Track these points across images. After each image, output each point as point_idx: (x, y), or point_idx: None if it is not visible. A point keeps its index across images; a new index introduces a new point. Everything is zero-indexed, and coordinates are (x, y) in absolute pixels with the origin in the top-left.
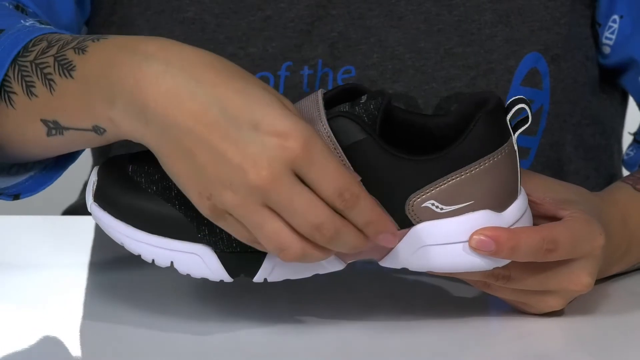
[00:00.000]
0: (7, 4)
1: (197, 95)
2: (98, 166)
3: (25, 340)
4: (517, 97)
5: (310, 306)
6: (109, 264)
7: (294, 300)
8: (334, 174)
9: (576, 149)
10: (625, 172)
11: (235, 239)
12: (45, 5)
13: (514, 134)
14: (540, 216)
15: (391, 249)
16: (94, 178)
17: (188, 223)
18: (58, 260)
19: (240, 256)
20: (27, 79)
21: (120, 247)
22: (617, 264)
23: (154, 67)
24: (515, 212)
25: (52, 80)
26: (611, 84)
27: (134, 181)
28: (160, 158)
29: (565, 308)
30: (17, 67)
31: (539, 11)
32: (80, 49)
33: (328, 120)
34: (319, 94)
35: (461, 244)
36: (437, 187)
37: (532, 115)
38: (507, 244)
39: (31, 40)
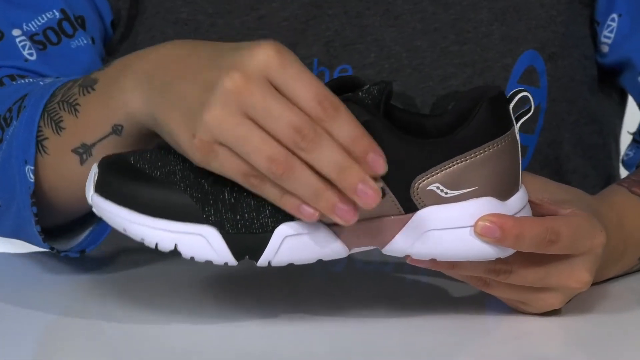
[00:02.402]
0: (9, 79)
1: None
2: (98, 162)
3: (18, 337)
4: (517, 88)
5: (307, 305)
6: (104, 261)
7: (291, 299)
8: (311, 82)
9: (574, 148)
10: (623, 173)
11: (240, 219)
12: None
13: (516, 123)
14: (540, 217)
15: (394, 235)
16: (94, 171)
17: (193, 204)
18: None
19: (246, 237)
20: (55, 117)
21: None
22: (613, 266)
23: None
24: (518, 202)
25: (77, 103)
26: (610, 83)
27: (137, 168)
28: (157, 118)
29: (562, 307)
30: (46, 114)
31: (535, 9)
32: (105, 67)
33: None
34: None
35: (466, 229)
36: (442, 170)
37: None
38: (512, 232)
39: (56, 89)
